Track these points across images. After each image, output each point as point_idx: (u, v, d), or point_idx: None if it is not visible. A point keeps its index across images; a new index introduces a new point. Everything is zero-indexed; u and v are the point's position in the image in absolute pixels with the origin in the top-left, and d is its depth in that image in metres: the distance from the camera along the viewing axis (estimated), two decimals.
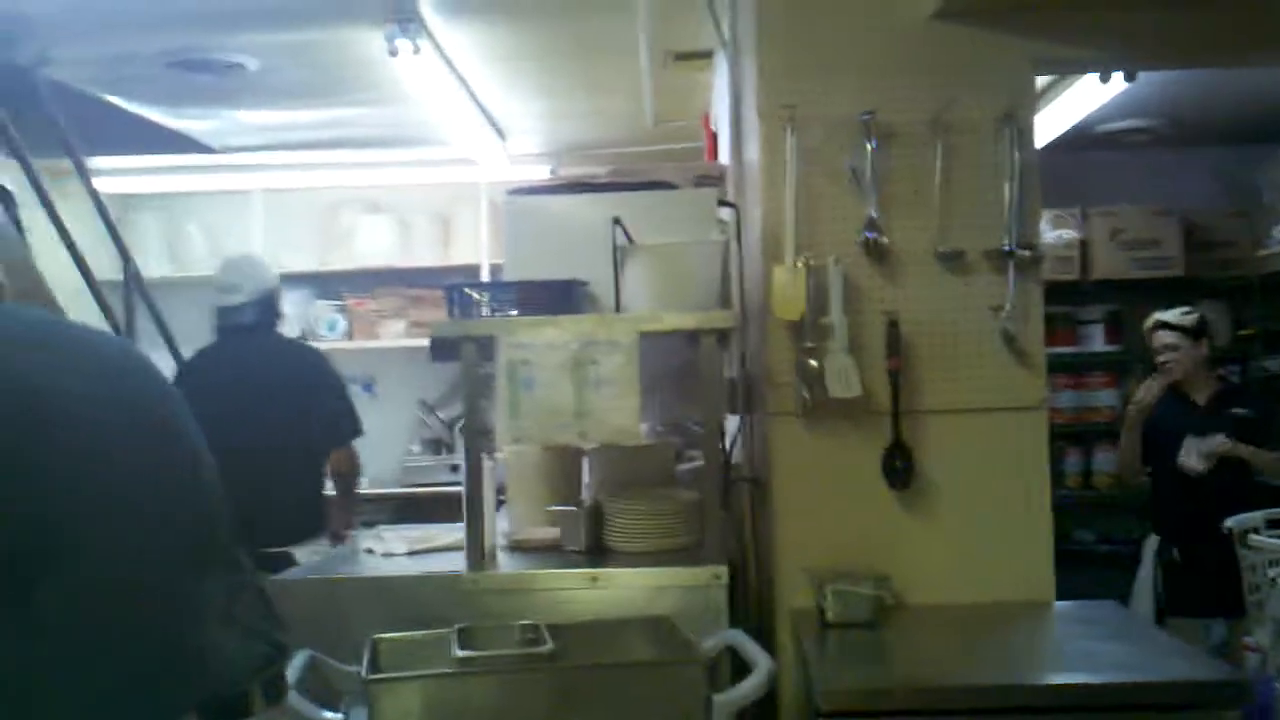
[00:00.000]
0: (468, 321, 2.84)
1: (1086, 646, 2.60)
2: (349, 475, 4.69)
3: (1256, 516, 4.22)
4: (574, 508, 3.04)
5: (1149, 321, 4.93)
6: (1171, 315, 4.83)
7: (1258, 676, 3.90)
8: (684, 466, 3.67)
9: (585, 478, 3.41)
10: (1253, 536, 4.05)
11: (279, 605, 1.83)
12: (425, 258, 6.84)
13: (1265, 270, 5.67)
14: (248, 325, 4.58)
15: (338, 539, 4.50)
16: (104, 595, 1.47)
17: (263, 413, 4.37)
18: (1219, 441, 4.60)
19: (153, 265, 6.29)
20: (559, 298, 2.85)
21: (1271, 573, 3.71)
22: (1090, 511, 6.14)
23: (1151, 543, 4.82)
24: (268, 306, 4.66)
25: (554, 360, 2.70)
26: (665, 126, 6.14)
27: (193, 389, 4.86)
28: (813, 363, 2.92)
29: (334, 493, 4.71)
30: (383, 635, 2.52)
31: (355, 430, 4.65)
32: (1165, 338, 4.81)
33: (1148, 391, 4.76)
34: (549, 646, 2.34)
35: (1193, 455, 4.63)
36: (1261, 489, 4.80)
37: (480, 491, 2.82)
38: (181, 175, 6.71)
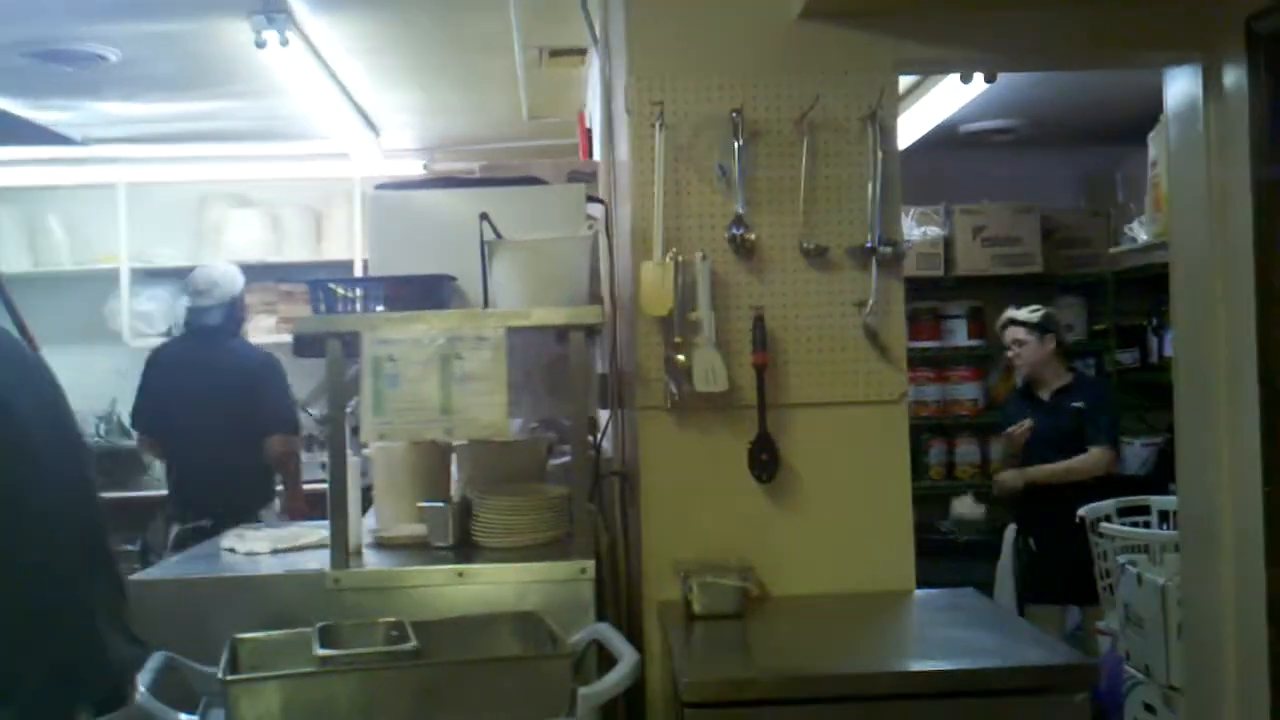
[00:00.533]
0: (332, 317, 2.81)
1: (945, 634, 2.67)
2: (283, 460, 5.30)
3: (1107, 505, 4.37)
4: (441, 504, 3.01)
5: (1000, 319, 5.18)
6: (1020, 313, 5.04)
7: (1108, 659, 4.04)
8: (556, 461, 3.67)
9: (455, 474, 3.39)
10: (1104, 524, 4.19)
11: (138, 606, 1.80)
12: (297, 253, 6.74)
13: (1119, 267, 5.86)
14: (213, 326, 5.26)
15: (295, 515, 5.10)
16: (24, 588, 1.47)
17: (220, 401, 5.11)
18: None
19: (11, 260, 6.09)
20: (426, 293, 2.83)
21: (1121, 559, 3.84)
22: (951, 502, 6.28)
23: (1010, 533, 4.97)
24: (232, 311, 5.33)
25: (420, 356, 2.68)
26: (541, 123, 6.14)
27: (160, 377, 5.24)
28: (680, 358, 2.95)
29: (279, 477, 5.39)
30: (243, 635, 2.47)
31: (291, 423, 5.34)
32: (1014, 333, 5.07)
33: (1025, 431, 4.93)
34: (412, 644, 2.32)
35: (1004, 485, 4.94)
36: (1115, 479, 4.99)
37: (344, 488, 2.78)
38: (42, 168, 6.51)
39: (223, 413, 5.08)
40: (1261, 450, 2.94)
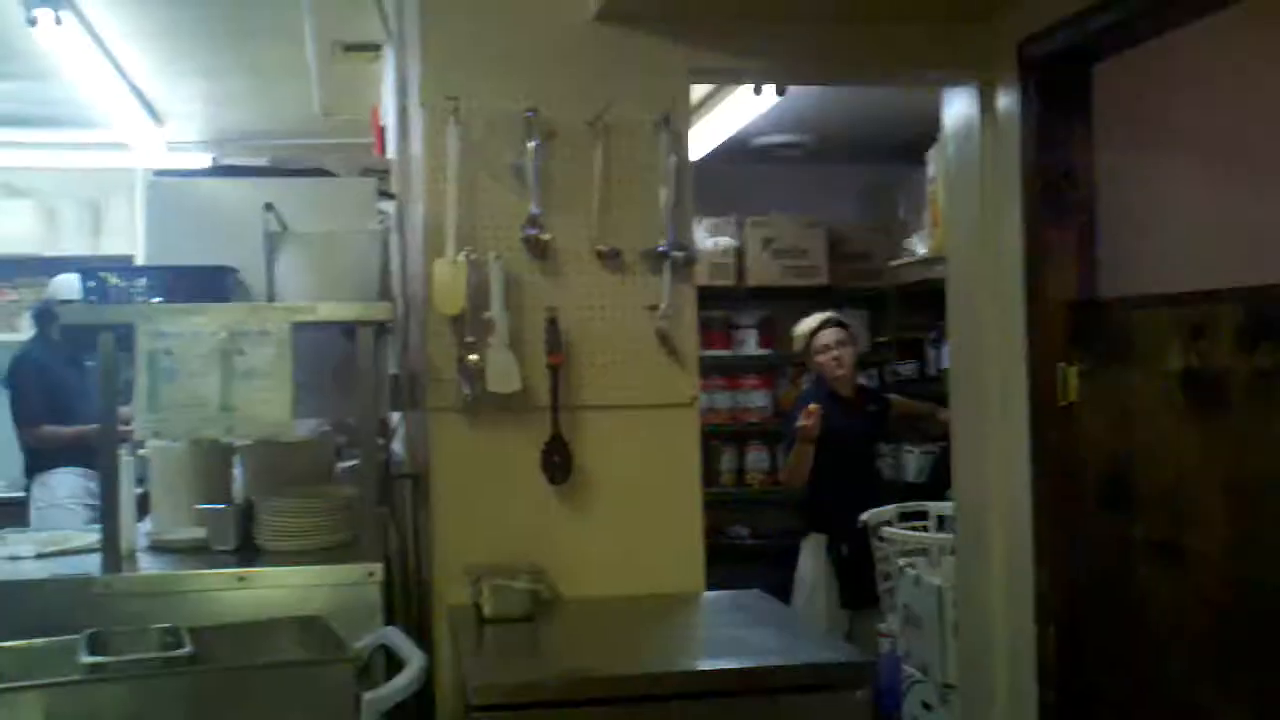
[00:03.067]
0: (102, 307, 2.67)
1: (731, 633, 2.71)
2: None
3: (889, 510, 4.51)
4: (222, 506, 2.90)
5: (811, 323, 5.09)
6: (830, 315, 5.09)
7: (888, 660, 4.18)
8: (346, 464, 3.59)
9: (238, 476, 3.27)
10: (885, 529, 4.33)
11: None
12: (73, 247, 6.40)
13: (900, 281, 6.09)
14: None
15: None
16: None
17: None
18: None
19: None
20: (206, 285, 2.72)
21: (901, 562, 3.98)
22: (744, 508, 6.41)
23: (817, 541, 4.94)
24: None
25: (199, 350, 2.57)
26: (336, 119, 5.98)
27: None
28: (473, 358, 2.91)
29: None
30: (1, 644, 2.33)
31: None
32: (836, 335, 5.02)
33: (811, 418, 4.79)
34: (187, 649, 2.22)
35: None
36: (895, 487, 5.18)
37: (116, 489, 2.65)
38: None
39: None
40: (1030, 456, 3.09)
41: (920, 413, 5.22)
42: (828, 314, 5.14)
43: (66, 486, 5.28)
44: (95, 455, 4.03)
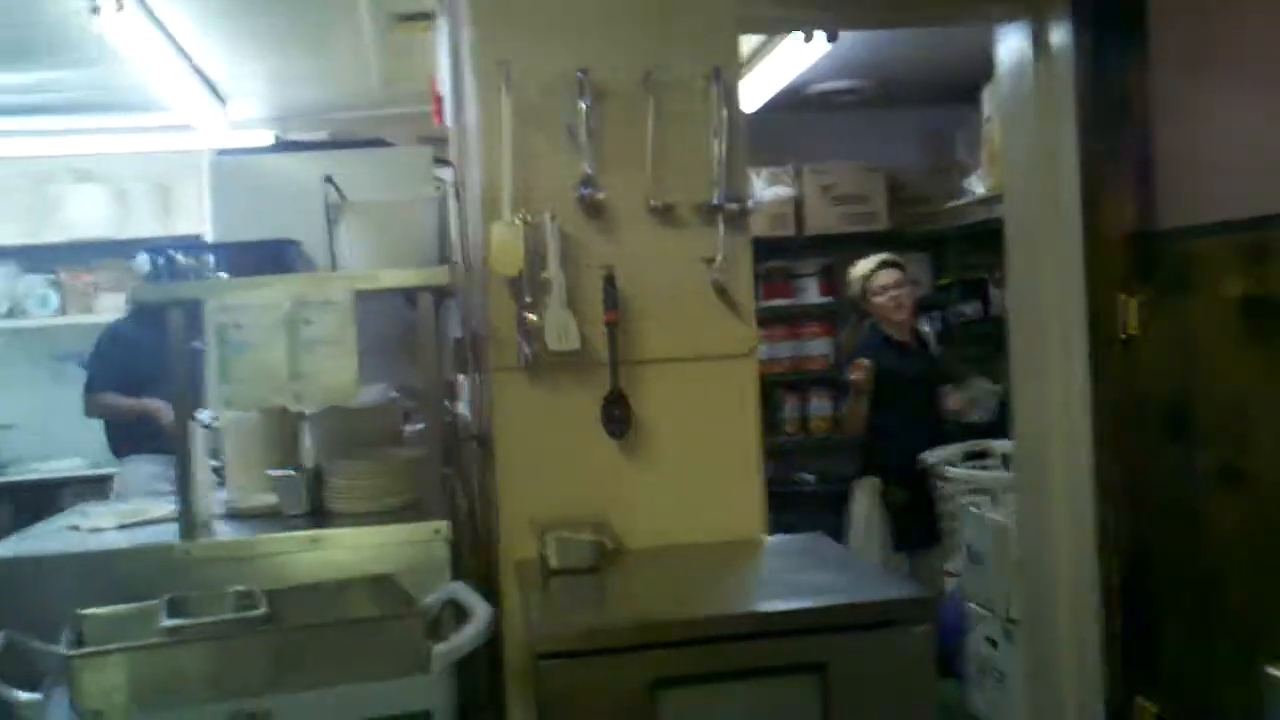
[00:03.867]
0: (170, 285, 2.75)
1: (794, 577, 2.74)
2: None
3: (952, 450, 4.50)
4: (293, 471, 2.99)
5: (866, 265, 5.09)
6: (886, 256, 5.08)
7: (951, 598, 4.19)
8: (412, 428, 3.66)
9: (308, 443, 3.36)
10: (948, 469, 4.32)
11: None
12: (145, 228, 6.53)
13: (960, 222, 6.04)
14: None
15: None
16: None
17: None
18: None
19: None
20: (270, 258, 2.80)
21: (964, 500, 3.97)
22: (808, 454, 6.44)
23: (870, 484, 5.02)
24: None
25: (266, 322, 2.65)
26: (395, 90, 6.03)
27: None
28: (532, 317, 2.95)
29: None
30: (87, 611, 2.43)
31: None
32: (893, 276, 5.03)
33: (859, 371, 4.86)
34: (262, 610, 2.31)
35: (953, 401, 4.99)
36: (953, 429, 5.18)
37: (192, 459, 2.74)
38: None
39: None
40: (1090, 390, 3.08)
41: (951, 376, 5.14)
42: (883, 255, 5.14)
43: (144, 472, 5.29)
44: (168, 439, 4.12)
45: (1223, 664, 2.70)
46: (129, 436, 5.38)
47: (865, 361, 4.83)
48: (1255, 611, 2.58)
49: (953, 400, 5.01)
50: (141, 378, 5.26)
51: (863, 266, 5.10)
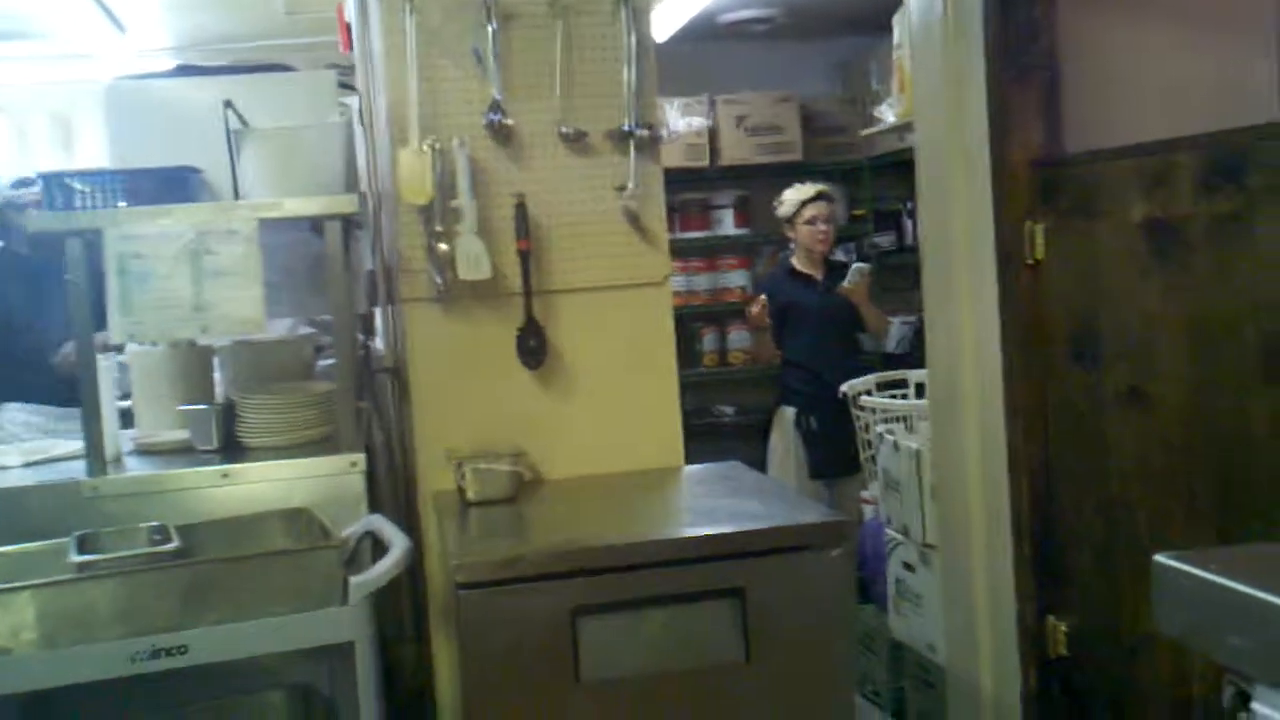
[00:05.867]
0: (69, 214, 2.67)
1: (711, 503, 2.77)
2: None
3: (868, 380, 4.56)
4: (204, 406, 2.93)
5: (805, 192, 5.12)
6: (822, 187, 5.12)
7: (871, 525, 4.26)
8: (325, 363, 3.62)
9: (218, 379, 3.30)
10: (864, 398, 4.38)
11: None
12: (45, 163, 6.33)
13: (874, 153, 6.07)
14: None
15: None
16: None
17: None
18: (866, 266, 5.13)
19: None
20: (170, 186, 2.73)
21: (880, 429, 4.03)
22: (728, 387, 6.48)
23: (786, 414, 5.11)
24: None
25: (168, 251, 2.59)
26: (301, 19, 5.88)
27: None
28: (443, 246, 2.92)
29: None
30: None
31: None
32: (824, 208, 5.11)
33: (756, 306, 5.00)
34: (175, 544, 2.28)
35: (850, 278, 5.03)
36: (871, 359, 5.25)
37: (96, 394, 2.68)
38: None
39: None
40: (999, 315, 3.12)
41: (863, 314, 5.19)
42: (820, 186, 5.18)
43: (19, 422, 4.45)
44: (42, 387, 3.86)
45: (1127, 582, 2.78)
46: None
47: (762, 297, 4.99)
48: (1156, 531, 2.66)
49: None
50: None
51: (799, 192, 5.15)
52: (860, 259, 6.24)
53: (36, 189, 4.27)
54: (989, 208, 3.14)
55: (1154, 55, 2.77)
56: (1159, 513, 2.66)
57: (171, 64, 6.19)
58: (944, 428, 3.41)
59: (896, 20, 3.83)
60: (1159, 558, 1.56)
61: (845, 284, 5.03)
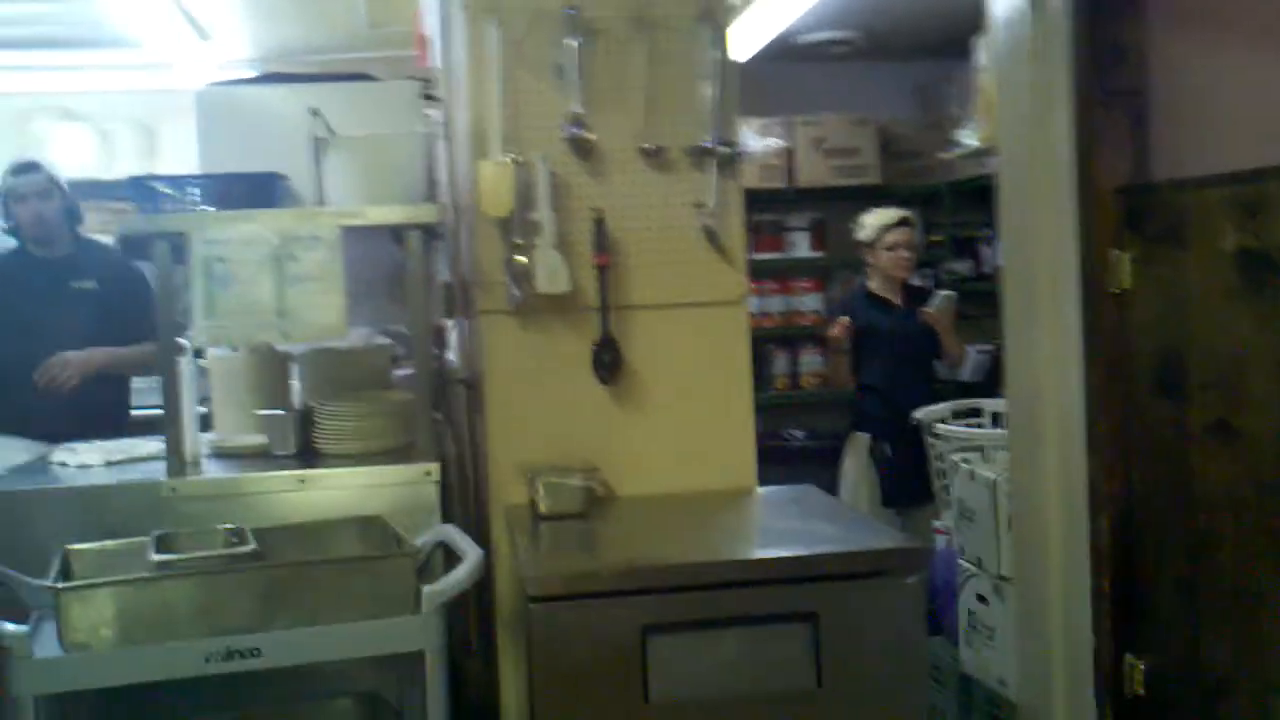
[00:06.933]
0: (157, 216, 2.71)
1: (785, 525, 2.75)
2: None
3: (943, 408, 4.50)
4: (282, 411, 2.96)
5: (888, 217, 5.04)
6: (906, 214, 5.05)
7: (943, 554, 4.19)
8: (403, 371, 3.64)
9: (297, 386, 3.33)
10: (939, 426, 4.32)
11: None
12: (130, 168, 6.44)
13: (953, 178, 6.00)
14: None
15: None
16: None
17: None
18: (950, 295, 5.05)
19: None
20: (256, 192, 2.76)
21: (955, 458, 3.97)
22: (798, 410, 6.42)
23: (860, 439, 5.03)
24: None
25: (252, 256, 2.61)
26: (384, 32, 5.95)
27: None
28: (521, 259, 2.92)
29: None
30: (75, 546, 2.41)
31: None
32: (907, 234, 5.02)
33: (838, 328, 4.89)
34: (251, 546, 2.29)
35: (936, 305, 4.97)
36: (946, 388, 5.17)
37: (178, 396, 2.71)
38: None
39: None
40: (1082, 346, 3.06)
41: (943, 342, 5.11)
42: (904, 212, 5.10)
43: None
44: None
45: (1210, 622, 2.71)
46: None
47: (845, 319, 4.87)
48: (1243, 569, 2.59)
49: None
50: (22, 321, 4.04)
51: (882, 216, 5.06)
52: (938, 285, 6.18)
53: (40, 176, 4.14)
54: (1073, 234, 3.09)
55: (1248, 80, 2.71)
56: (1245, 550, 2.59)
57: (252, 74, 6.31)
58: (1023, 458, 3.35)
59: (979, 42, 3.79)
60: None
61: (929, 309, 4.97)
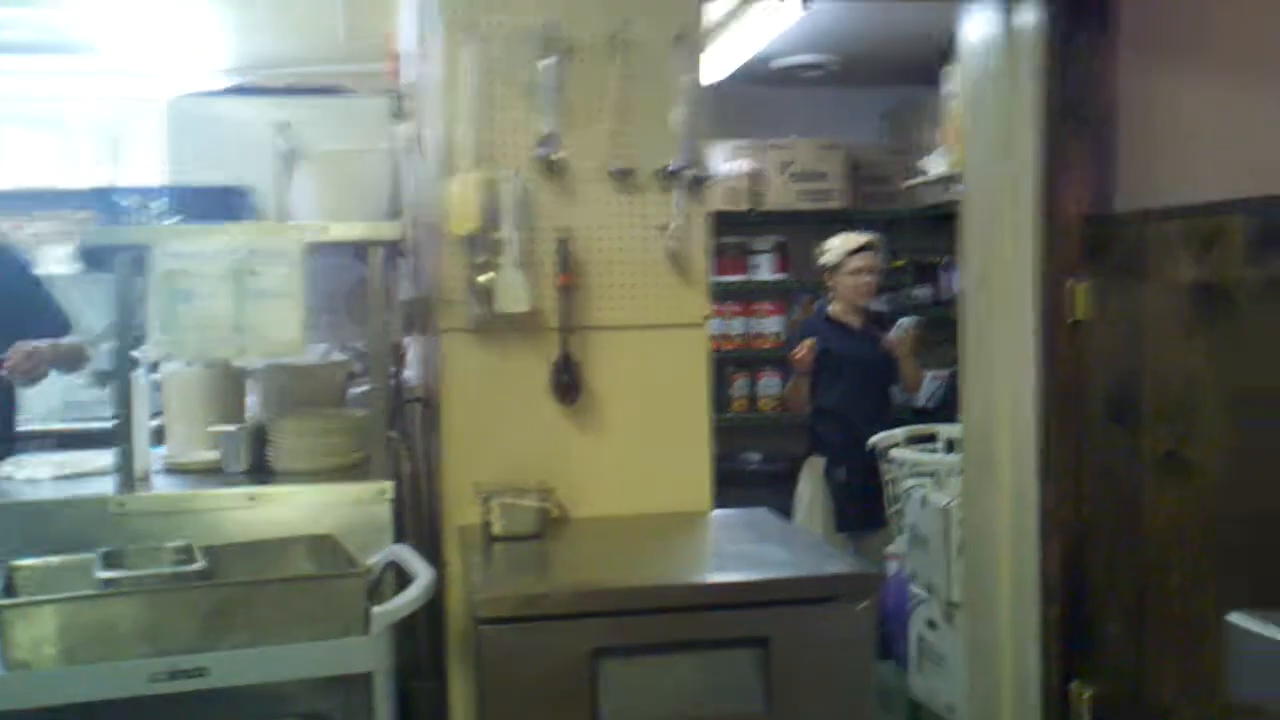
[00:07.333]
0: (118, 228, 2.69)
1: (737, 548, 2.74)
2: None
3: (899, 433, 4.52)
4: (234, 427, 2.93)
5: (853, 241, 5.07)
6: (871, 238, 5.08)
7: (894, 580, 4.21)
8: (359, 389, 3.61)
9: (251, 402, 3.30)
10: (893, 451, 4.34)
11: None
12: (93, 177, 6.39)
13: (916, 204, 6.04)
14: None
15: None
16: None
17: None
18: (913, 321, 5.09)
19: None
20: (220, 205, 2.74)
21: (908, 483, 3.99)
22: (756, 433, 6.42)
23: (816, 463, 5.05)
24: None
25: (213, 270, 2.59)
26: (361, 45, 5.92)
27: None
28: (484, 278, 2.91)
29: None
30: (19, 561, 2.38)
31: None
32: (869, 260, 5.05)
33: (803, 350, 4.90)
34: (199, 565, 2.27)
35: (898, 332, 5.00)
36: (902, 413, 5.18)
37: (130, 410, 2.68)
38: None
39: None
40: (1037, 374, 3.09)
41: (902, 368, 5.12)
42: (868, 236, 5.13)
43: None
44: None
45: (1157, 650, 2.73)
46: None
47: (810, 341, 4.88)
48: (1190, 599, 2.61)
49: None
50: None
51: (848, 241, 5.08)
52: (899, 312, 6.20)
53: None
54: (1033, 263, 3.12)
55: (1215, 112, 2.74)
56: (1192, 580, 2.61)
57: (224, 84, 6.27)
58: (976, 484, 3.38)
59: (950, 71, 3.82)
60: (1232, 618, 1.51)
61: (890, 337, 4.99)
